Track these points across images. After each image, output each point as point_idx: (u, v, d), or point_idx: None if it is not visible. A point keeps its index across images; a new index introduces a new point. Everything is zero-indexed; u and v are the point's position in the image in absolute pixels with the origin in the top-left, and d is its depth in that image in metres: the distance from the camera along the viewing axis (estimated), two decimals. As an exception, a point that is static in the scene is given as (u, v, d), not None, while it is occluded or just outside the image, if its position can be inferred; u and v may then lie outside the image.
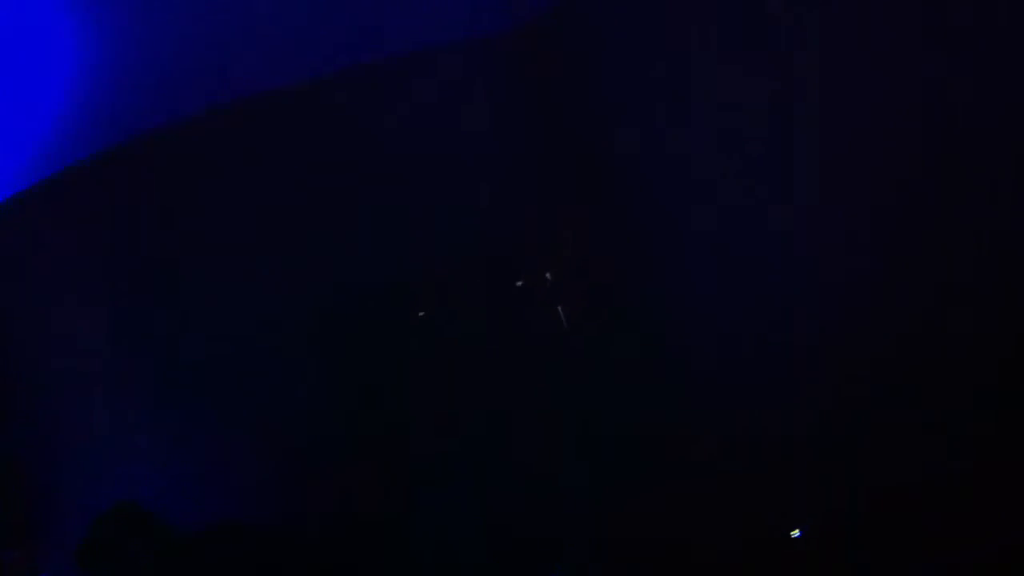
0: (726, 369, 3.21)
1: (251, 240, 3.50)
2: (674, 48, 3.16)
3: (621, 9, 3.29)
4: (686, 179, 3.26)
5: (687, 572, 3.16)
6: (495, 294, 3.58)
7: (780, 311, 2.97)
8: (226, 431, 3.39)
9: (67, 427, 3.42)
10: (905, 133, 2.51)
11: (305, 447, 3.40)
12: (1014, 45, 2.23)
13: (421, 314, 3.53)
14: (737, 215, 3.06)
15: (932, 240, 2.50)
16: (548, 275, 3.60)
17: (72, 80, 3.00)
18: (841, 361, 2.78)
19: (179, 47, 3.10)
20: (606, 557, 3.39)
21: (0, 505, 3.34)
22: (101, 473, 3.39)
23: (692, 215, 3.27)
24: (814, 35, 2.70)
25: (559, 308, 3.60)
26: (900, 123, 2.52)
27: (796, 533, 2.93)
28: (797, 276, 2.90)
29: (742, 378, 3.13)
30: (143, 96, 3.28)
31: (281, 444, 3.39)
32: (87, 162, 3.45)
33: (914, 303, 2.57)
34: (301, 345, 3.45)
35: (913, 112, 2.48)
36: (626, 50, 3.35)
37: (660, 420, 3.37)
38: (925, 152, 2.48)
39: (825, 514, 2.86)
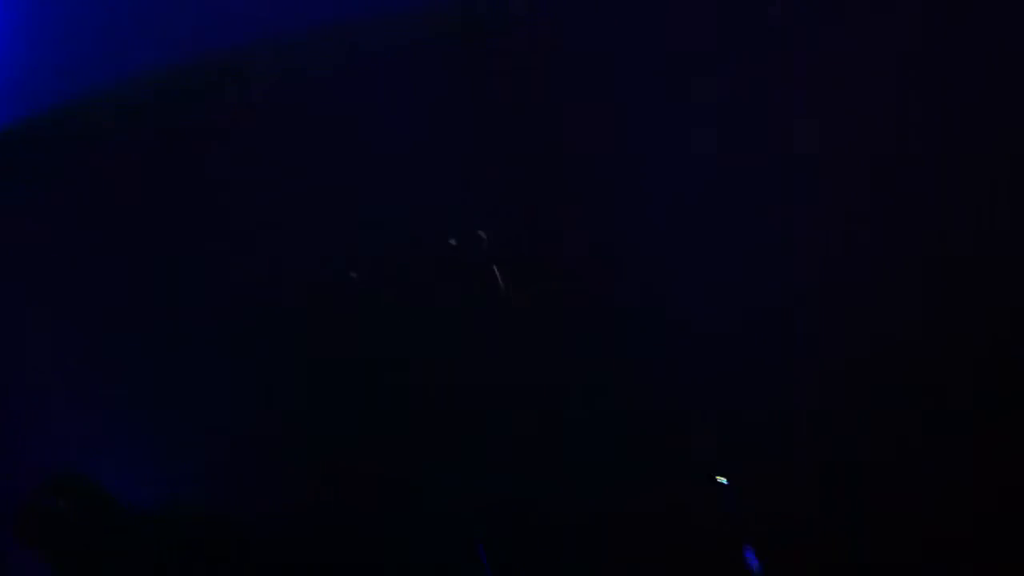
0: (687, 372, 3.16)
1: (186, 231, 3.43)
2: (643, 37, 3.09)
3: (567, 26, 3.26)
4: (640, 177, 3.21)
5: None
6: (444, 288, 3.52)
7: (735, 312, 2.94)
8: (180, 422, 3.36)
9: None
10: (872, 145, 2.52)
11: (256, 441, 3.36)
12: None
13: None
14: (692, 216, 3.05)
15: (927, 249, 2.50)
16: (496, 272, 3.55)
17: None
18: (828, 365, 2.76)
19: (81, 24, 3.08)
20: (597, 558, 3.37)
21: None
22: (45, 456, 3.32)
23: (642, 211, 3.23)
24: (781, 39, 2.69)
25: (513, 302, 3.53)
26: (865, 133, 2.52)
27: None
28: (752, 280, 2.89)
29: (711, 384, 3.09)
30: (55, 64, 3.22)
31: (231, 435, 3.34)
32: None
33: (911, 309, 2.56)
34: (249, 340, 3.40)
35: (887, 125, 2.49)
36: (587, 37, 3.27)
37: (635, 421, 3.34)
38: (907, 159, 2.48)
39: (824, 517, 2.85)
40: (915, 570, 2.52)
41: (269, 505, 3.33)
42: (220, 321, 3.43)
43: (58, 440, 3.33)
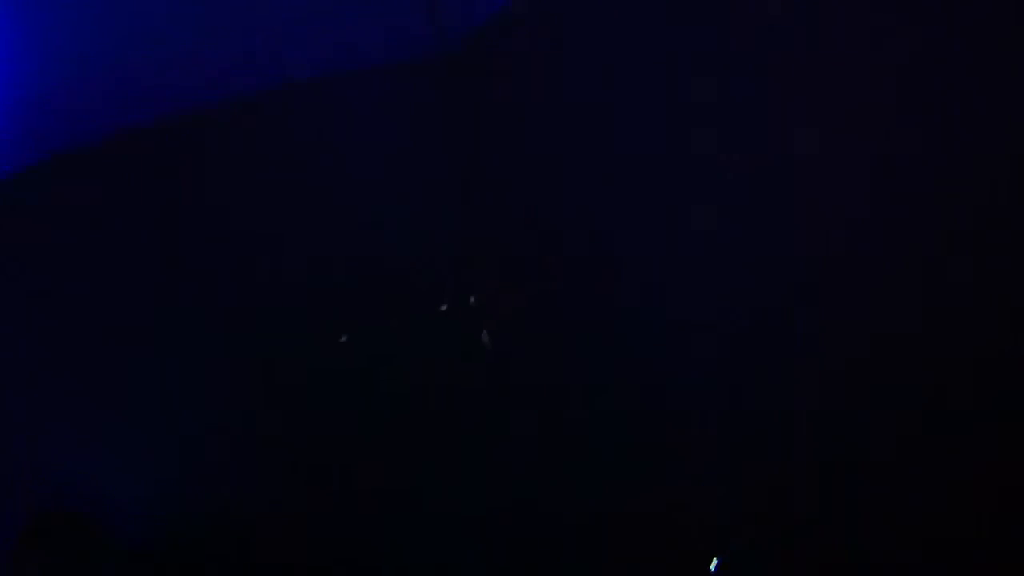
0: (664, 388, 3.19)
1: (160, 254, 3.49)
2: (595, 86, 3.15)
3: (544, 40, 3.29)
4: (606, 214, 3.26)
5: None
6: (415, 311, 3.59)
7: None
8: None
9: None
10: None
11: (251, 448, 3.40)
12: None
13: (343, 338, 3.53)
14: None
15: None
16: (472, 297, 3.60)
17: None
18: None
19: (89, 65, 3.08)
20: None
21: None
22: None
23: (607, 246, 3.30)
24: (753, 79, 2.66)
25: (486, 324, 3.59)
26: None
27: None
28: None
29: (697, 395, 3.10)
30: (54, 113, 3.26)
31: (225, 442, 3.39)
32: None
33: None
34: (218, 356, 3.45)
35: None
36: (548, 79, 3.34)
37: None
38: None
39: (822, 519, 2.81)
40: (915, 570, 2.49)
41: (263, 518, 3.37)
42: (211, 330, 3.48)
43: (50, 446, 3.37)
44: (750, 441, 2.98)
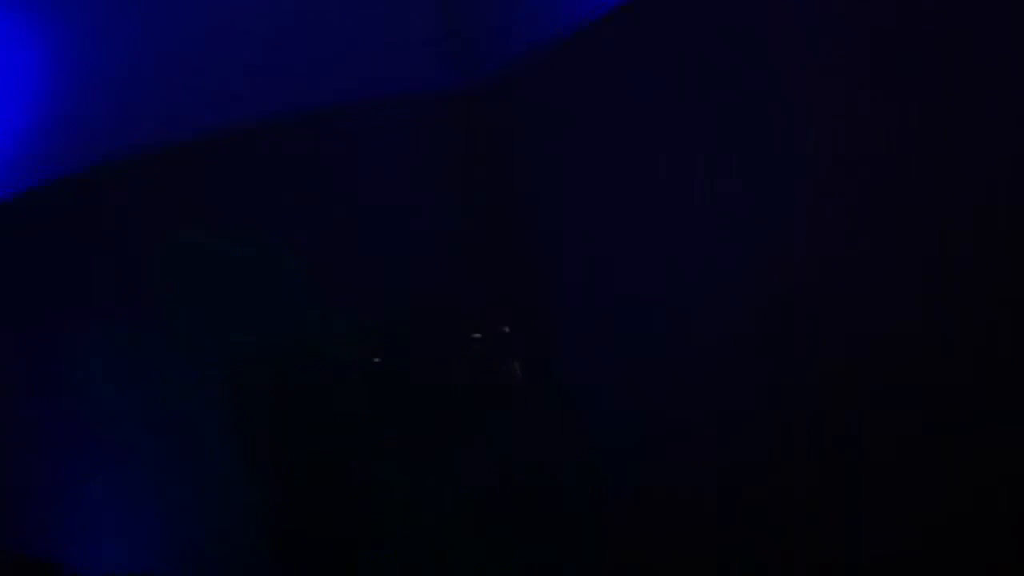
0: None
1: (178, 287, 3.43)
2: (612, 129, 3.20)
3: (569, 82, 3.32)
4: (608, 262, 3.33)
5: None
6: (432, 347, 3.57)
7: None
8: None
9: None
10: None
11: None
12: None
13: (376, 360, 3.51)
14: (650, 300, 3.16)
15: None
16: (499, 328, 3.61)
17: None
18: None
19: (112, 86, 3.16)
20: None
21: None
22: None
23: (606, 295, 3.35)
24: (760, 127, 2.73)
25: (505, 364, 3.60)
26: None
27: None
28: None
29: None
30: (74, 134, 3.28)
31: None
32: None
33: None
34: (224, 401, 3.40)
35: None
36: (563, 125, 3.39)
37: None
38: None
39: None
40: (915, 570, 2.50)
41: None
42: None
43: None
44: (751, 441, 3.00)
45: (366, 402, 3.48)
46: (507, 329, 3.63)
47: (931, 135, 2.40)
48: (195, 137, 3.39)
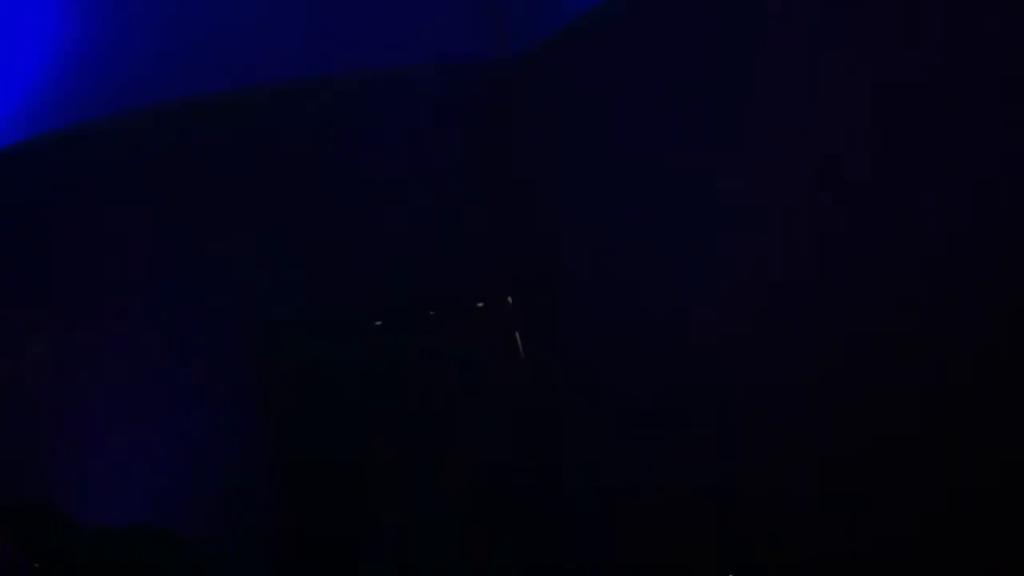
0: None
1: (190, 251, 3.42)
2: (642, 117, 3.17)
3: (601, 60, 3.29)
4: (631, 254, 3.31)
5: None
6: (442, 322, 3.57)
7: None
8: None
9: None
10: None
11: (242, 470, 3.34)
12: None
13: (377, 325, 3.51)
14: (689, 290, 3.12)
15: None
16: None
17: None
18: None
19: (145, 38, 3.16)
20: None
21: None
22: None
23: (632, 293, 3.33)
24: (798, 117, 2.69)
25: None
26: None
27: None
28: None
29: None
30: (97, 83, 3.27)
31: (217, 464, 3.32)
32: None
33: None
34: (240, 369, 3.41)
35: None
36: (596, 103, 3.35)
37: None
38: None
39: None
40: (914, 570, 2.49)
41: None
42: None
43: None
44: (751, 441, 2.99)
45: (367, 373, 3.48)
46: (510, 300, 3.63)
47: (935, 134, 2.39)
48: (220, 95, 3.38)
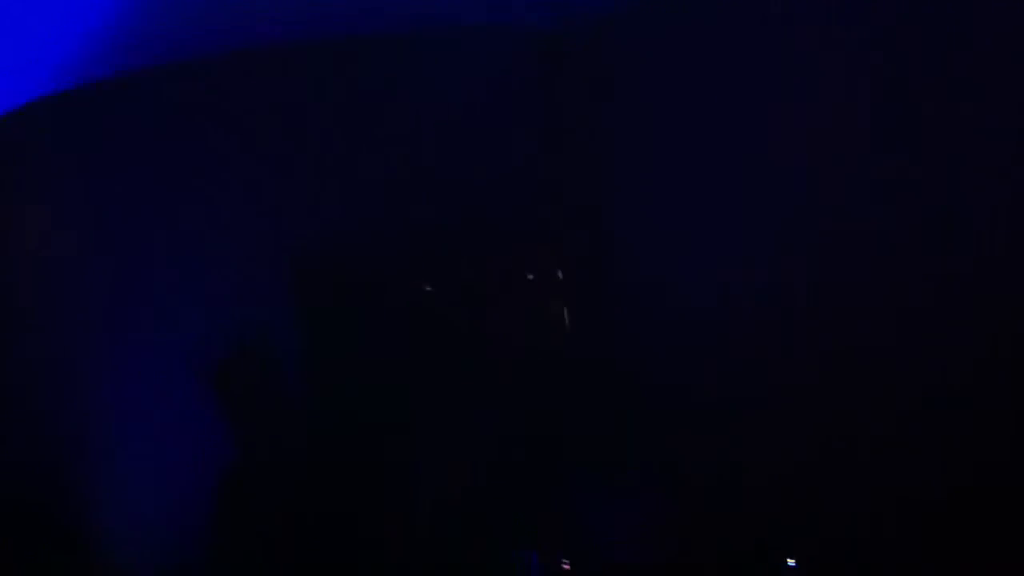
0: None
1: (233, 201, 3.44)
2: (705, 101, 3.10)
3: (662, 33, 3.23)
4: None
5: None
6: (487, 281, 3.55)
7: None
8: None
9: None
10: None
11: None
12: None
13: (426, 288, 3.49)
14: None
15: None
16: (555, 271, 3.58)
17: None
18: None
19: None
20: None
21: None
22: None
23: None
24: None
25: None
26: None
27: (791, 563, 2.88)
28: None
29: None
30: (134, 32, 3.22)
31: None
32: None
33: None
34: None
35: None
36: (654, 80, 3.29)
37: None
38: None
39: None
40: (914, 570, 2.49)
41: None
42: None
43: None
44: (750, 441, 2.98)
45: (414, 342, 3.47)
46: (560, 274, 3.59)
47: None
48: (261, 48, 3.38)
